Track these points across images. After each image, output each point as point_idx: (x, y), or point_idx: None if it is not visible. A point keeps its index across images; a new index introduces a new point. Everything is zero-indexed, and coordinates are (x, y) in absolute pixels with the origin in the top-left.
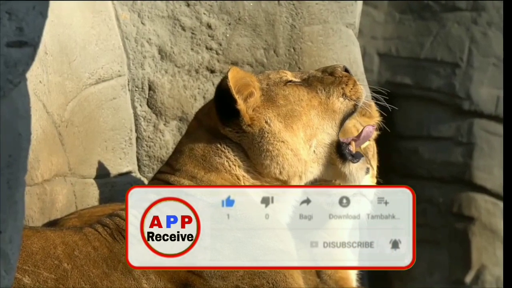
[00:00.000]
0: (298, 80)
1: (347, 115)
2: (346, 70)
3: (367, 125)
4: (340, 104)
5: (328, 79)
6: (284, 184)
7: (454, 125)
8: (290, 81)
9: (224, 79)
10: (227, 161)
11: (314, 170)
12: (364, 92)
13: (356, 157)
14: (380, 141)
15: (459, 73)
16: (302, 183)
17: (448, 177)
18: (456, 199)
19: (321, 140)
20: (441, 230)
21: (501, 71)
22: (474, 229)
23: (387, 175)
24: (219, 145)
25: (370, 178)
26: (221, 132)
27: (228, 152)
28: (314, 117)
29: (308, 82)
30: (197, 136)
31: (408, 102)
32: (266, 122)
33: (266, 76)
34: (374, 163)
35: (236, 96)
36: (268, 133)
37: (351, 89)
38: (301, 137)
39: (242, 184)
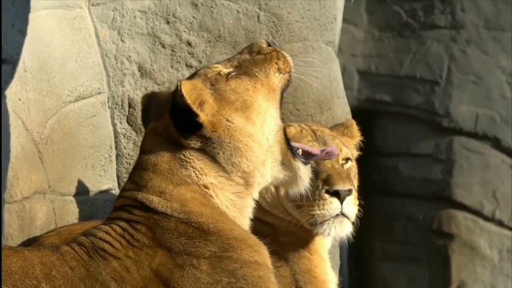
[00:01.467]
0: (232, 69)
1: (283, 91)
2: (269, 45)
3: (333, 147)
4: (278, 81)
5: (259, 58)
6: (247, 177)
7: (434, 142)
8: (228, 73)
9: (179, 97)
10: (193, 171)
11: (269, 161)
12: (292, 62)
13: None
14: (359, 158)
15: (439, 91)
16: (265, 174)
17: (428, 194)
18: (436, 216)
19: (270, 126)
20: (420, 247)
21: (480, 89)
22: (454, 246)
23: (367, 193)
24: (183, 157)
25: (353, 200)
26: (183, 144)
27: (194, 161)
28: (262, 102)
29: (242, 68)
30: (158, 151)
31: (388, 119)
32: (228, 120)
33: (203, 77)
34: (355, 182)
35: (196, 109)
36: (234, 131)
37: (283, 61)
38: (258, 126)
39: (211, 192)
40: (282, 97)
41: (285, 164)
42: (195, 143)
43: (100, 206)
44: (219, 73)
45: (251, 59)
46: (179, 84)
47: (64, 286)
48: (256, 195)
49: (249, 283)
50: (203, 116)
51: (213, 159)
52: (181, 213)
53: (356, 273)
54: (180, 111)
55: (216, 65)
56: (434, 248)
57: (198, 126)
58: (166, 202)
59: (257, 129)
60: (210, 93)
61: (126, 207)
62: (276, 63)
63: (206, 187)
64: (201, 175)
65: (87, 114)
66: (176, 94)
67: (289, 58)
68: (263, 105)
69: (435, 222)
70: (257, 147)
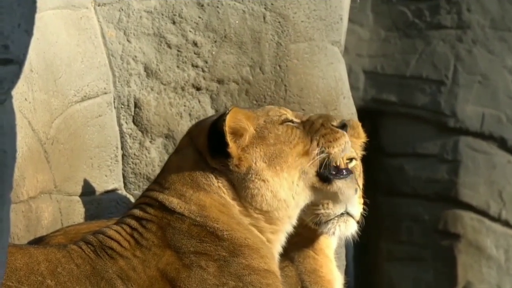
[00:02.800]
0: (298, 120)
1: (319, 169)
2: (344, 125)
3: None
4: (316, 154)
5: (316, 127)
6: (268, 216)
7: (440, 143)
8: (289, 120)
9: (221, 121)
10: (213, 183)
11: (296, 208)
12: (342, 151)
13: (341, 173)
14: (365, 159)
15: (445, 91)
16: (285, 221)
17: (434, 194)
18: (442, 216)
19: (301, 179)
20: (426, 247)
21: (486, 89)
22: (460, 247)
23: (372, 193)
24: (203, 171)
25: (358, 199)
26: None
27: (213, 178)
28: (297, 159)
29: (304, 125)
30: (186, 154)
31: (394, 119)
32: (253, 161)
33: (265, 112)
34: (360, 181)
35: (229, 141)
36: (252, 170)
37: (325, 142)
38: (284, 178)
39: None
40: (320, 178)
41: (322, 190)
42: (216, 164)
43: (106, 206)
44: (280, 116)
45: (311, 122)
46: (229, 109)
47: (70, 283)
48: (288, 228)
49: None
50: (234, 148)
51: (232, 184)
52: (197, 216)
53: (361, 273)
54: (217, 132)
55: (287, 109)
56: (440, 248)
57: (227, 154)
58: (184, 204)
59: (279, 180)
60: (255, 128)
61: (141, 205)
62: (321, 139)
63: (227, 202)
64: (220, 190)
65: (93, 114)
66: (221, 116)
67: (337, 145)
68: (298, 162)
69: (441, 222)
70: (271, 197)
